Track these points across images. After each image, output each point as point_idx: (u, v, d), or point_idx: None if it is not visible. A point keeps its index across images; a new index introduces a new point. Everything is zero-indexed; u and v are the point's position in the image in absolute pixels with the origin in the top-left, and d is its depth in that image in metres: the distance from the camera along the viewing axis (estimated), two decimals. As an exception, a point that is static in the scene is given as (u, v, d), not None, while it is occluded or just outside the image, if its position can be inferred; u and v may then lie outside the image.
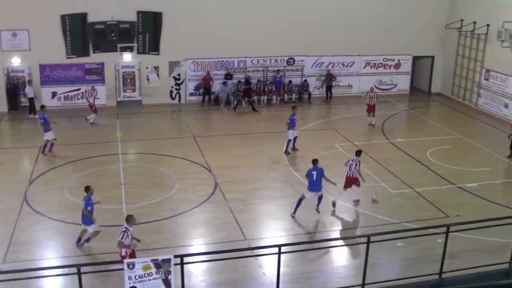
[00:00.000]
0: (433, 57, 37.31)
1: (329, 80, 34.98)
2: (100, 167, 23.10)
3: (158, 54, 31.98)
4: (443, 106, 34.18)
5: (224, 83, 32.99)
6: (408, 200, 20.85)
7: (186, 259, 13.26)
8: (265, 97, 33.67)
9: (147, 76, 32.20)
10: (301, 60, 34.69)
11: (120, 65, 31.66)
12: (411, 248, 16.62)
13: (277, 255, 13.47)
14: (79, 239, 17.06)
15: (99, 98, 30.55)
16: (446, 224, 15.15)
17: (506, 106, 31.40)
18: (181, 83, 32.95)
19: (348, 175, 19.79)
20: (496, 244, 16.85)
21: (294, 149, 25.35)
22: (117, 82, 31.83)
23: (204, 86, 32.94)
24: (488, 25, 32.35)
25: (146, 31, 31.48)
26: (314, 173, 19.06)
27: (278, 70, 34.06)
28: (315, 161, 19.27)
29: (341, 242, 16.60)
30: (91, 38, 30.79)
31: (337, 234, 17.74)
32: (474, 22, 33.36)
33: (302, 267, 15.89)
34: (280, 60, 34.28)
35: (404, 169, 23.52)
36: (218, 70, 33.34)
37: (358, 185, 19.93)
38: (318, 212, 19.44)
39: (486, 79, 33.15)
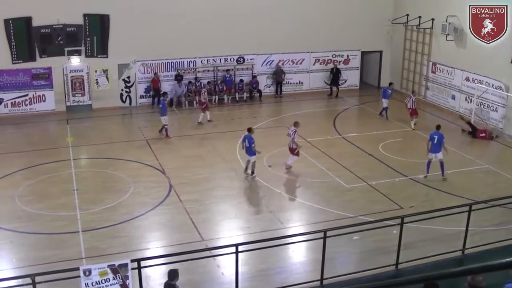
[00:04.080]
0: (381, 52, 37.79)
1: (279, 75, 35.12)
2: (51, 174, 22.73)
3: (106, 57, 31.58)
4: (392, 99, 34.58)
5: (178, 84, 32.80)
6: (362, 193, 21.09)
7: (143, 263, 13.17)
8: (216, 97, 33.57)
9: (96, 79, 31.80)
10: (251, 59, 34.71)
11: (68, 69, 31.15)
12: (367, 240, 16.80)
13: (234, 255, 13.47)
14: (252, 172, 22.07)
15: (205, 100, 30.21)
16: (400, 216, 15.39)
17: (453, 97, 32.04)
18: (131, 86, 32.64)
19: None
20: (449, 232, 17.16)
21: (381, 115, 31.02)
22: (65, 87, 31.33)
23: (153, 88, 32.65)
24: (433, 19, 32.89)
25: (94, 34, 31.09)
26: (436, 137, 22.13)
27: (228, 70, 34.00)
28: (438, 127, 22.72)
29: (297, 238, 16.66)
30: (37, 43, 30.20)
31: (293, 231, 17.78)
32: (419, 17, 33.88)
33: (260, 265, 15.93)
34: (230, 60, 34.25)
35: (357, 163, 23.79)
36: (168, 71, 33.11)
37: None
38: (444, 179, 22.21)
39: (433, 72, 33.73)
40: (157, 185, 21.64)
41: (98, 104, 31.87)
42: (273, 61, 35.16)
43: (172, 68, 33.21)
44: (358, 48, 36.86)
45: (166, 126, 27.32)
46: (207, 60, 33.78)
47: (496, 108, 28.82)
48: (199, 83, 33.27)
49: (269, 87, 35.52)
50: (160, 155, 24.71)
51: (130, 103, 32.86)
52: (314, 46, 35.59)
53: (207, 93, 30.50)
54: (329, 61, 36.34)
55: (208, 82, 33.53)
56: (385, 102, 30.69)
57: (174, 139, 27.24)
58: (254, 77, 34.70)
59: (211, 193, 21.01)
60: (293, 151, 23.13)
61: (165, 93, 29.52)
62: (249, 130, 22.53)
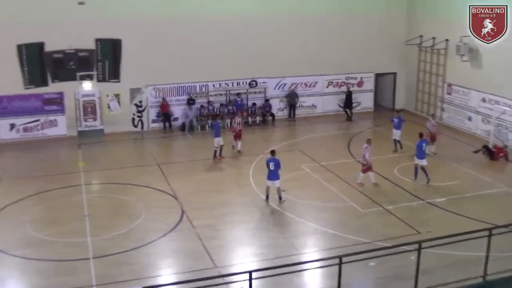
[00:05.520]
0: (395, 73, 37.64)
1: (293, 98, 35.06)
2: (63, 199, 22.61)
3: (118, 82, 31.60)
4: (407, 122, 34.32)
5: (189, 107, 32.78)
6: (378, 218, 20.81)
7: (155, 291, 12.96)
8: (228, 121, 33.37)
9: (108, 104, 31.81)
10: (264, 82, 34.68)
11: (80, 94, 31.19)
12: (383, 266, 16.50)
13: (248, 281, 13.22)
14: (280, 197, 21.89)
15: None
16: (417, 241, 15.06)
17: (469, 119, 31.75)
18: (143, 110, 32.63)
19: None
20: (469, 258, 16.80)
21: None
22: (77, 111, 31.35)
23: (163, 113, 32.63)
24: (447, 40, 32.74)
25: (106, 59, 31.14)
26: (424, 144, 24.08)
27: (239, 93, 33.90)
28: (421, 135, 24.74)
29: (312, 264, 16.39)
30: (49, 68, 30.26)
31: (308, 257, 17.52)
32: (433, 38, 33.75)
33: (275, 292, 15.67)
34: (243, 83, 34.24)
35: (373, 187, 23.53)
36: (180, 95, 33.08)
37: None
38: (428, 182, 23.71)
39: (449, 93, 33.52)
40: (169, 210, 21.45)
41: (110, 129, 31.83)
42: (285, 84, 35.10)
43: (184, 92, 33.17)
44: (372, 70, 36.75)
45: (216, 148, 27.27)
46: (219, 84, 33.76)
47: (514, 129, 28.57)
48: (211, 107, 33.25)
49: (282, 110, 35.44)
50: (172, 180, 24.57)
51: (142, 128, 32.80)
52: (327, 69, 35.52)
53: (240, 119, 29.14)
54: (343, 83, 36.19)
55: (221, 105, 33.48)
56: (395, 134, 28.82)
57: (186, 164, 27.18)
58: (266, 100, 34.64)
59: (224, 219, 20.79)
60: (363, 167, 23.77)
61: (216, 115, 30.54)
62: (273, 152, 22.36)
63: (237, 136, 28.55)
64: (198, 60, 32.49)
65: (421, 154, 24.04)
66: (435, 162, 26.32)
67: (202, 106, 33.10)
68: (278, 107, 35.27)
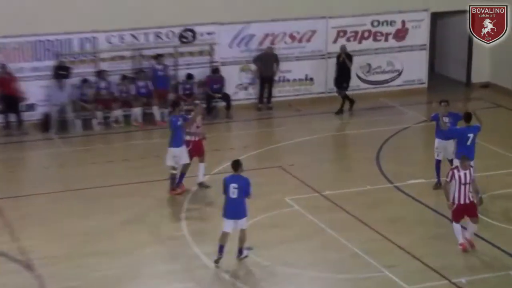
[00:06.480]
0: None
1: (268, 65, 34.97)
2: None
3: None
4: (497, 108, 34.40)
5: (59, 84, 32.59)
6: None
7: None
8: (140, 109, 33.31)
9: None
10: (209, 33, 34.72)
11: None
12: None
13: None
14: (240, 251, 21.70)
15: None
16: None
17: None
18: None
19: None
20: None
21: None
22: None
23: (4, 95, 32.50)
24: None
25: None
26: (471, 135, 25.71)
27: (160, 56, 33.89)
28: (468, 116, 25.99)
29: None
30: None
31: None
32: None
33: None
34: (167, 35, 34.19)
35: (428, 239, 23.42)
36: (41, 60, 32.96)
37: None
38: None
39: None
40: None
41: None
42: (253, 37, 35.14)
43: (48, 54, 32.91)
44: (424, 6, 36.90)
45: (174, 171, 26.58)
46: (121, 36, 33.73)
47: None
48: (105, 84, 33.21)
49: (246, 89, 35.51)
50: (23, 232, 23.99)
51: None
52: (335, 6, 35.67)
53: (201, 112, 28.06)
54: (367, 33, 36.40)
55: (124, 79, 33.52)
56: (438, 146, 27.46)
57: (52, 198, 26.78)
58: (215, 70, 34.51)
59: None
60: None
61: (176, 103, 28.47)
62: (237, 166, 21.44)
63: (196, 151, 27.16)
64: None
65: (465, 149, 25.19)
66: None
67: (85, 82, 32.97)
68: (238, 82, 35.31)
